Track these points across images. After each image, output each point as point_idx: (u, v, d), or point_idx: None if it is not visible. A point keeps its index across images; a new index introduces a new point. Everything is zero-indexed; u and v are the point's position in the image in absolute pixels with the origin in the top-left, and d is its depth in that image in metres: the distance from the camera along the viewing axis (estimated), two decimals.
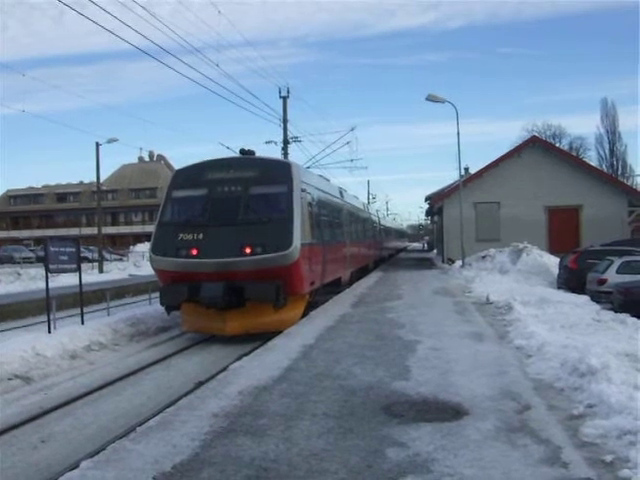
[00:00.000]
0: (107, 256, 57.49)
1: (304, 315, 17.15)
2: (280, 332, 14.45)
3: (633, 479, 4.98)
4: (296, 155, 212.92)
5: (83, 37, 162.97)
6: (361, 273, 31.90)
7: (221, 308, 15.75)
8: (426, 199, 60.92)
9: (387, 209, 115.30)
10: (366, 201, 68.59)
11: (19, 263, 53.07)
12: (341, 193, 27.76)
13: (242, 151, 19.06)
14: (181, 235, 16.31)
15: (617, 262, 20.08)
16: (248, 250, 15.63)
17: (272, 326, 15.65)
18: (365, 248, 34.47)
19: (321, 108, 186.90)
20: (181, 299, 16.06)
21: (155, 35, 45.84)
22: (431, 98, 32.21)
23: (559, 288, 23.41)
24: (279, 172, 17.32)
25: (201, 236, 16.15)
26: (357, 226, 31.55)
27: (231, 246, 15.66)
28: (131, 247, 72.92)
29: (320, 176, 25.49)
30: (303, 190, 17.55)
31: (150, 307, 21.01)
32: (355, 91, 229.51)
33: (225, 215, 16.38)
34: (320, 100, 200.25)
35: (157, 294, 22.39)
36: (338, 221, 24.89)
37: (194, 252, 15.96)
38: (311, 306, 18.37)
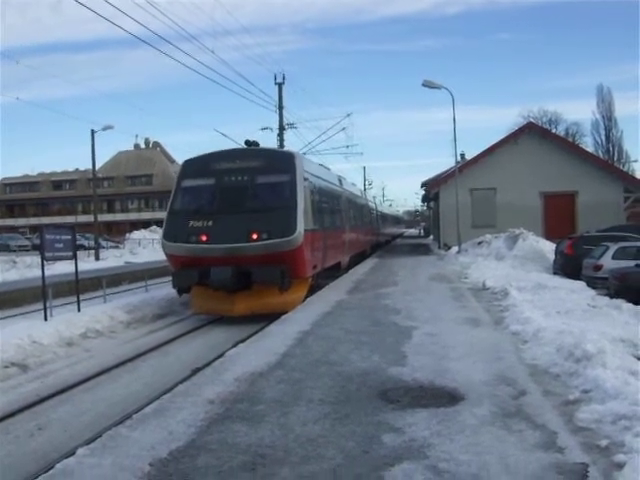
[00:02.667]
0: (103, 243, 57.47)
1: (306, 297, 17.91)
2: (284, 313, 15.09)
3: (628, 464, 4.98)
4: (292, 141, 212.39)
5: (80, 24, 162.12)
6: (359, 258, 32.69)
7: (229, 291, 16.76)
8: (422, 185, 60.85)
9: (383, 195, 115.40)
10: (362, 187, 68.55)
11: (15, 251, 52.99)
12: (340, 181, 28.70)
13: (247, 142, 20.24)
14: (191, 222, 17.22)
15: (613, 248, 20.12)
16: (255, 236, 16.55)
17: (277, 307, 16.32)
18: (363, 234, 35.40)
19: (318, 95, 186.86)
20: (192, 282, 17.05)
21: (152, 22, 45.56)
22: (427, 84, 32.18)
23: (555, 274, 23.43)
24: (283, 162, 18.27)
25: (210, 223, 17.05)
26: (355, 213, 32.36)
27: (238, 232, 16.54)
28: (127, 234, 72.77)
29: (320, 165, 26.42)
30: (306, 179, 18.38)
31: (147, 294, 21.04)
32: (352, 78, 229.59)
33: (232, 203, 17.23)
34: (318, 87, 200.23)
35: (153, 281, 22.83)
36: (338, 208, 25.86)
37: (204, 238, 16.91)
38: (313, 289, 19.24)
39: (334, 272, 23.83)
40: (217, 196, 17.66)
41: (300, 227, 16.95)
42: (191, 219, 17.31)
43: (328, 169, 28.10)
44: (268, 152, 19.79)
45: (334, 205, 25.07)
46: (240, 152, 19.25)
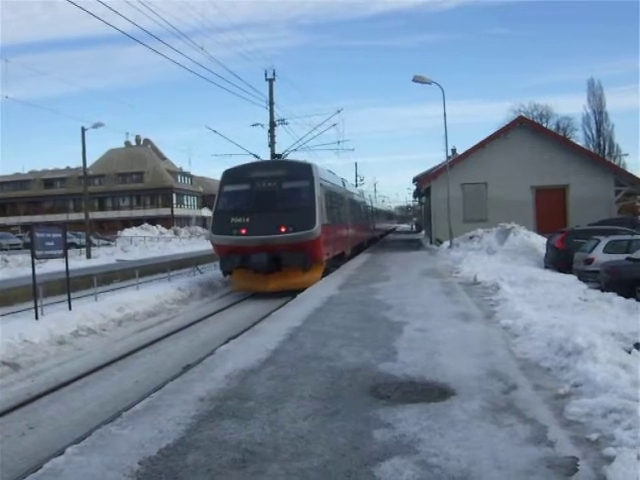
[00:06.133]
0: (95, 241, 57.24)
1: (322, 277, 22.39)
2: (306, 289, 19.06)
3: (618, 457, 4.98)
4: (282, 137, 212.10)
5: (71, 22, 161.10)
6: (358, 250, 36.86)
7: (264, 272, 21.37)
8: (414, 180, 60.79)
9: (375, 191, 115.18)
10: (355, 184, 68.78)
11: (6, 250, 52.61)
12: (343, 183, 34.12)
13: (273, 155, 27.31)
14: (233, 219, 21.75)
15: (604, 241, 20.15)
16: (283, 229, 21.12)
17: (301, 284, 20.44)
18: (362, 229, 40.60)
19: (310, 91, 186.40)
20: (234, 266, 21.76)
21: (144, 20, 45.43)
22: (417, 79, 32.12)
23: (546, 268, 23.48)
24: (303, 171, 23.13)
25: (248, 219, 21.58)
26: (356, 210, 37.60)
27: (271, 226, 21.03)
28: (119, 232, 72.60)
29: (329, 171, 31.17)
30: (321, 185, 23.18)
31: (137, 292, 20.96)
32: (345, 74, 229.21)
33: (265, 204, 21.71)
34: (310, 83, 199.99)
35: (145, 279, 23.23)
36: (343, 207, 30.85)
37: (243, 231, 21.49)
38: (326, 271, 23.80)
39: (339, 262, 27.71)
40: (252, 198, 22.16)
41: (318, 222, 21.57)
42: (232, 216, 21.80)
43: (334, 174, 32.44)
44: (291, 163, 24.99)
45: (340, 204, 29.79)
46: (269, 163, 25.37)
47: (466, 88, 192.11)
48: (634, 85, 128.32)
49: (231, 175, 23.39)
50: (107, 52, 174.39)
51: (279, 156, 26.33)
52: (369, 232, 47.09)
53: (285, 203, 21.86)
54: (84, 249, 46.78)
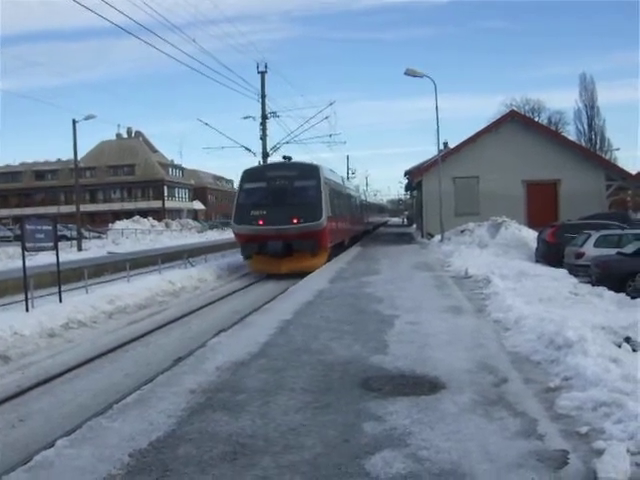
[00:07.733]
0: (86, 234, 57.09)
1: (327, 261, 26.03)
2: (311, 272, 22.20)
3: (608, 450, 5.00)
4: (274, 130, 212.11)
5: (67, 14, 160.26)
6: (354, 240, 40.04)
7: (279, 257, 24.98)
8: (405, 174, 60.79)
9: (367, 184, 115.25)
10: (347, 178, 68.93)
11: None
12: (343, 181, 38.72)
13: (284, 157, 29.81)
14: (252, 212, 25.35)
15: (594, 236, 20.17)
16: (295, 221, 24.72)
17: (309, 268, 23.60)
18: (358, 221, 44.52)
19: (303, 84, 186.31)
20: (253, 252, 25.60)
21: (137, 12, 45.30)
22: (409, 72, 32.12)
23: (537, 262, 23.52)
24: (311, 172, 26.93)
25: (265, 212, 25.16)
26: (353, 204, 41.75)
27: (284, 218, 24.58)
28: (110, 224, 72.44)
29: (331, 170, 34.66)
30: (325, 183, 26.95)
31: (128, 284, 20.90)
32: (337, 66, 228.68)
33: (279, 199, 25.36)
34: (302, 76, 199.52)
35: (136, 271, 23.22)
36: (343, 201, 34.57)
37: (261, 222, 25.07)
38: (330, 257, 27.19)
39: (339, 250, 30.66)
40: (269, 194, 25.79)
41: (324, 214, 25.36)
42: (252, 209, 25.40)
43: (335, 172, 36.84)
44: (301, 165, 28.73)
45: (340, 199, 33.29)
46: (282, 165, 28.46)
47: (458, 82, 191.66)
48: (626, 80, 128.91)
49: (250, 174, 27.24)
50: (99, 44, 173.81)
51: (290, 158, 29.30)
52: (363, 225, 50.08)
53: (296, 198, 25.56)
54: (75, 241, 46.70)
